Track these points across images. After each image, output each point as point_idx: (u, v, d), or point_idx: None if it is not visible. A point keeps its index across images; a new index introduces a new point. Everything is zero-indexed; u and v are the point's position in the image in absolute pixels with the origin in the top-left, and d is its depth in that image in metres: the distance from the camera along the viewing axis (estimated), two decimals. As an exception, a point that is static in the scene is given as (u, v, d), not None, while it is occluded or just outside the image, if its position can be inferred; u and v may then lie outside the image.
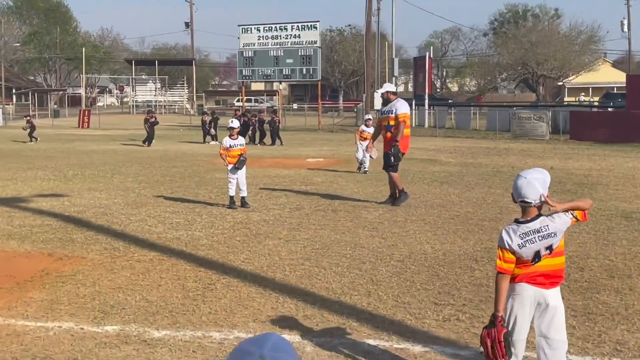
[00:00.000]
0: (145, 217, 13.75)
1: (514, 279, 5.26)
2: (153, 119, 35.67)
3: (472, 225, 12.88)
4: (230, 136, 15.15)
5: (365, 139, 20.74)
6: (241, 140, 15.33)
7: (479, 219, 13.45)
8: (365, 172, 21.10)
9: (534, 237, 5.13)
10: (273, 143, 35.91)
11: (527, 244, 5.13)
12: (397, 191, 15.38)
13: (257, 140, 36.49)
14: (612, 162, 24.64)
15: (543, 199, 5.12)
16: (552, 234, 5.13)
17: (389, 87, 16.24)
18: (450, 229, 12.48)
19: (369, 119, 23.02)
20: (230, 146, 14.95)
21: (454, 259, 10.26)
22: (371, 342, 6.97)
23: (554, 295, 5.27)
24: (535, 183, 5.13)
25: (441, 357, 6.60)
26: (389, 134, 15.28)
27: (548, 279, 5.23)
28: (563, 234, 5.20)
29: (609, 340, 6.97)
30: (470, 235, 11.98)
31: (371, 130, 19.92)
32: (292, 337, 7.06)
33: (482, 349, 5.41)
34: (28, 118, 39.86)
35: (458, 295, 8.45)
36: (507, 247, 5.17)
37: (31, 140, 37.19)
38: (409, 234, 12.08)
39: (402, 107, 15.25)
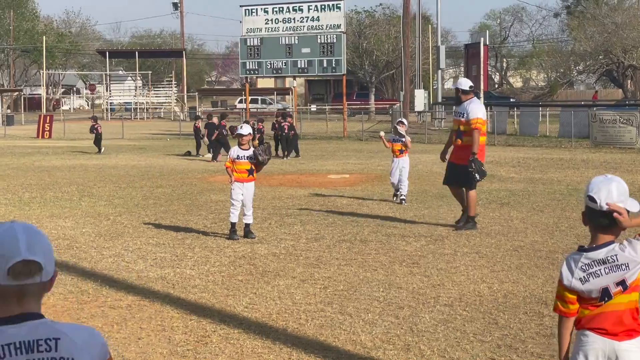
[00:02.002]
0: (122, 251, 13.79)
1: (579, 324, 5.22)
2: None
3: (540, 258, 12.83)
4: (239, 145, 15.17)
5: (401, 152, 19.52)
6: (251, 151, 15.13)
7: (549, 251, 13.39)
8: (402, 200, 19.31)
9: (599, 270, 5.07)
10: (287, 155, 35.99)
11: (590, 278, 5.08)
12: (470, 211, 15.58)
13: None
14: None
15: (607, 207, 5.04)
16: (624, 266, 5.06)
17: (461, 83, 16.26)
18: (513, 264, 12.43)
19: (402, 123, 20.28)
20: (238, 157, 14.96)
21: (517, 302, 10.21)
22: (411, 410, 6.95)
23: (628, 350, 5.20)
24: (614, 184, 5.06)
25: None
26: (459, 141, 15.53)
27: (621, 327, 5.17)
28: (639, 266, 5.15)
29: None
30: (538, 271, 11.93)
31: (403, 139, 19.39)
32: (308, 404, 7.05)
33: None
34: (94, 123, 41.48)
35: (523, 349, 8.41)
36: (566, 283, 5.13)
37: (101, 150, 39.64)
38: (459, 271, 12.05)
39: (475, 111, 15.38)
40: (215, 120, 39.80)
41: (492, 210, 17.85)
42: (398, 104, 56.41)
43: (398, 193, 19.53)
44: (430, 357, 8.23)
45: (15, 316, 3.11)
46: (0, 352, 3.04)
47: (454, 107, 16.33)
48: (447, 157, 16.29)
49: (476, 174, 15.12)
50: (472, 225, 15.53)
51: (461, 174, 15.41)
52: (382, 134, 20.59)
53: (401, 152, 19.36)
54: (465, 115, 15.32)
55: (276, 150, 35.94)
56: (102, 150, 39.55)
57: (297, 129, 45.81)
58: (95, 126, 40.50)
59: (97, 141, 40.23)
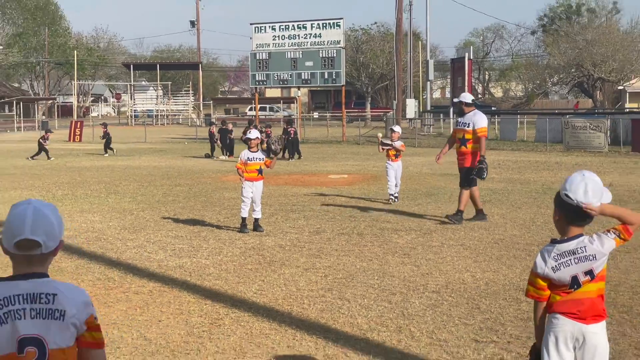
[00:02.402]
0: (144, 243, 13.80)
1: (551, 308, 5.24)
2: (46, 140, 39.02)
3: (518, 250, 12.83)
4: (249, 148, 15.22)
5: (395, 156, 18.97)
6: (260, 153, 15.23)
7: (526, 243, 13.39)
8: (395, 198, 18.94)
9: (570, 260, 5.09)
10: (291, 157, 36.02)
11: (561, 267, 5.10)
12: (479, 207, 16.07)
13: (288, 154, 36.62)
14: (681, 178, 24.48)
15: (584, 206, 5.06)
16: (592, 257, 5.09)
17: (464, 97, 16.44)
18: (494, 255, 12.43)
19: (394, 131, 19.67)
20: (249, 159, 15.01)
21: (497, 289, 10.20)
22: (402, 385, 6.95)
23: (594, 333, 5.22)
24: (590, 185, 5.05)
25: (483, 403, 6.57)
26: (463, 148, 15.73)
27: (589, 312, 5.19)
28: (606, 257, 5.17)
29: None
30: (516, 262, 11.93)
31: (396, 144, 18.91)
32: (311, 380, 7.04)
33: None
34: (104, 129, 41.84)
35: (502, 331, 8.40)
36: (540, 272, 5.16)
37: (106, 153, 39.61)
38: (445, 261, 12.05)
39: (480, 121, 15.67)
40: (230, 126, 39.84)
41: (471, 208, 17.84)
42: (391, 112, 56.43)
43: (392, 196, 18.89)
44: (420, 339, 8.22)
45: (23, 274, 3.75)
46: (11, 299, 3.66)
47: (457, 119, 16.41)
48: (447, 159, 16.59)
49: (485, 173, 15.56)
50: (461, 218, 15.71)
51: (460, 175, 15.89)
52: (379, 135, 20.40)
53: (396, 156, 18.86)
54: (471, 125, 15.58)
55: (283, 153, 35.98)
56: (108, 153, 39.44)
57: (301, 134, 45.93)
58: (106, 131, 40.90)
59: (107, 144, 40.35)
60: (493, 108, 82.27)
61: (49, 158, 36.60)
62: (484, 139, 15.66)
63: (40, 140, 38.52)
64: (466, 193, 15.83)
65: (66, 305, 3.71)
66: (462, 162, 15.83)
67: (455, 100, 16.92)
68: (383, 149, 19.23)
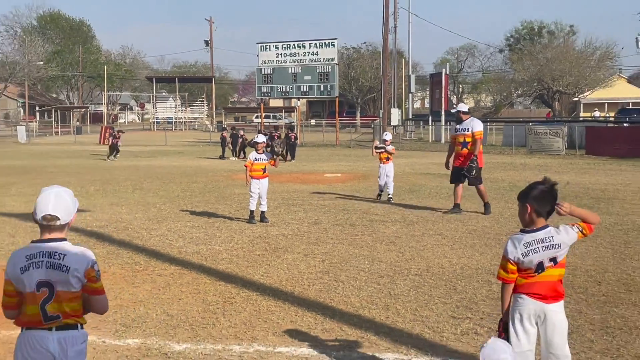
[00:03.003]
0: (166, 232, 13.78)
1: (516, 289, 5.28)
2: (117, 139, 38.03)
3: (489, 239, 12.83)
4: (256, 150, 15.29)
5: (387, 159, 18.49)
6: (265, 155, 15.34)
7: (496, 233, 13.40)
8: (389, 198, 18.21)
9: (538, 247, 5.14)
10: (292, 158, 36.03)
11: (530, 254, 5.15)
12: (487, 200, 16.25)
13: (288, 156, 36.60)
14: (629, 177, 24.47)
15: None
16: (557, 246, 5.15)
17: (462, 107, 16.81)
18: (468, 243, 12.43)
19: (387, 139, 19.15)
20: (256, 159, 15.12)
21: (471, 272, 10.21)
22: (389, 355, 6.94)
23: (554, 311, 5.25)
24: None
25: (460, 371, 6.56)
26: (464, 150, 16.01)
27: (550, 293, 5.22)
28: (568, 247, 5.21)
29: (628, 354, 6.90)
30: (487, 249, 11.93)
31: (388, 149, 18.51)
32: (310, 351, 7.04)
33: None
34: (116, 134, 39.93)
35: (476, 309, 8.41)
36: (511, 257, 5.22)
37: (111, 157, 36.80)
38: (426, 248, 12.04)
39: (478, 126, 16.15)
40: (241, 132, 39.84)
41: (451, 202, 17.80)
42: (378, 120, 56.25)
43: (384, 192, 18.48)
44: (405, 315, 8.22)
45: (47, 239, 4.75)
46: (35, 255, 4.66)
47: (456, 125, 16.55)
48: (451, 164, 16.63)
49: (474, 170, 15.96)
50: (458, 210, 16.13)
51: (466, 175, 16.10)
52: (376, 142, 20.15)
53: (387, 159, 18.34)
54: (470, 129, 15.92)
55: (285, 155, 36.00)
56: (111, 158, 36.36)
57: (300, 139, 45.90)
58: (117, 136, 39.07)
59: (112, 148, 37.62)
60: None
61: (115, 157, 36.11)
62: (480, 141, 16.10)
63: (113, 140, 37.92)
64: (482, 188, 16.18)
65: (71, 263, 4.61)
66: (463, 163, 16.05)
67: (454, 110, 17.21)
68: (377, 153, 18.88)
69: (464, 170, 15.99)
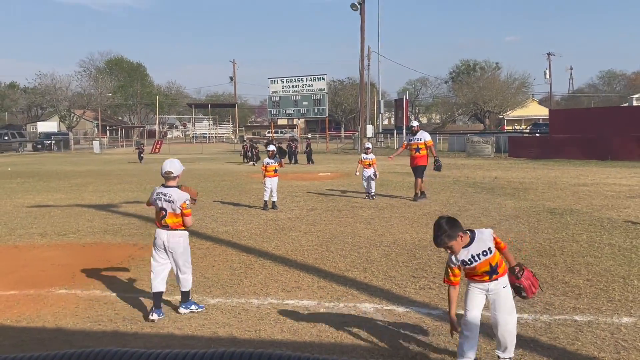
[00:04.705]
0: (203, 217, 13.76)
1: (467, 276, 5.17)
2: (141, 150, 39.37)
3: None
4: (268, 156, 15.36)
5: (369, 165, 16.90)
6: (275, 159, 15.42)
7: (443, 214, 13.39)
8: (372, 196, 16.69)
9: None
10: (296, 162, 36.03)
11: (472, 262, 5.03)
12: (418, 192, 16.24)
13: (294, 160, 36.53)
14: (540, 173, 24.50)
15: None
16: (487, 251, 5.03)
17: (414, 123, 17.44)
18: (423, 222, 12.44)
19: (369, 147, 17.69)
20: (268, 163, 15.19)
21: (426, 244, 10.22)
22: (367, 305, 6.95)
23: (496, 286, 5.07)
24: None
25: (418, 316, 6.57)
26: (417, 154, 16.34)
27: (488, 276, 5.06)
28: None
29: (540, 302, 6.92)
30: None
31: (370, 156, 16.97)
32: (309, 302, 7.05)
33: (523, 294, 5.18)
34: (141, 146, 41.06)
35: (430, 271, 8.42)
36: (453, 264, 5.07)
37: (140, 161, 38.20)
38: (393, 227, 12.05)
39: (427, 136, 16.52)
40: (258, 147, 39.81)
41: (411, 193, 17.82)
42: (357, 133, 56.20)
43: (369, 192, 16.75)
44: (378, 276, 8.22)
45: (166, 185, 6.61)
46: (160, 193, 6.61)
47: (409, 136, 16.82)
48: (395, 160, 16.97)
49: (440, 167, 16.88)
50: (424, 196, 16.24)
51: (417, 171, 16.36)
52: (357, 174, 17.38)
53: (369, 165, 16.80)
54: (422, 139, 16.29)
55: (290, 160, 35.96)
56: (142, 161, 38.02)
57: (300, 148, 45.78)
58: (141, 150, 39.59)
59: (140, 158, 38.69)
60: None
61: (254, 164, 34.85)
62: (433, 147, 16.55)
63: (247, 147, 37.88)
64: (419, 181, 16.27)
65: (174, 198, 6.54)
66: (417, 162, 16.34)
67: (412, 124, 17.22)
68: (361, 162, 17.18)
69: (434, 168, 16.81)
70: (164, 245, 6.60)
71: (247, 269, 8.75)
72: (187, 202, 6.57)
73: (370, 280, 7.99)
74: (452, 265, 5.00)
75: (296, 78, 51.15)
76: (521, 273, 5.17)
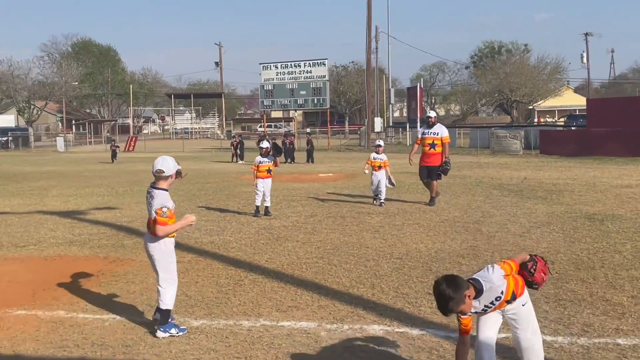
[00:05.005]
0: (184, 225, 13.73)
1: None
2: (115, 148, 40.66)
3: (459, 227, 12.83)
4: (261, 155, 15.29)
5: (379, 167, 16.50)
6: (269, 158, 15.29)
7: (464, 222, 13.39)
8: (381, 203, 16.30)
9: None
10: (292, 161, 36.05)
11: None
12: (434, 194, 16.22)
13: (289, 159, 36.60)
14: (576, 172, 24.52)
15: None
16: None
17: (432, 113, 16.86)
18: (441, 231, 12.43)
19: (380, 146, 17.14)
20: (260, 162, 15.13)
21: (444, 256, 10.21)
22: (375, 327, 6.94)
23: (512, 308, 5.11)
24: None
25: (435, 339, 6.56)
26: (432, 151, 16.11)
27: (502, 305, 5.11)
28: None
29: (577, 322, 6.91)
30: (457, 235, 11.93)
31: (382, 157, 16.56)
32: (308, 324, 7.04)
33: (535, 286, 5.18)
34: (113, 142, 42.43)
35: (448, 287, 8.40)
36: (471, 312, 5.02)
37: (113, 161, 39.55)
38: (406, 236, 12.04)
39: (445, 131, 16.33)
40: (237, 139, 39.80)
41: (426, 196, 17.78)
42: (363, 127, 56.30)
43: (378, 197, 16.50)
44: (388, 292, 8.22)
45: (155, 185, 6.82)
46: (148, 191, 6.83)
47: (424, 128, 16.55)
48: (416, 161, 16.67)
49: (447, 168, 16.17)
50: (434, 202, 16.13)
51: (432, 172, 16.10)
52: (366, 172, 17.11)
53: (380, 167, 16.44)
54: (439, 134, 16.09)
55: (285, 158, 35.99)
56: (113, 162, 39.09)
57: (297, 144, 45.84)
58: (115, 149, 40.94)
59: (114, 157, 40.25)
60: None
61: (237, 161, 37.27)
62: (448, 145, 16.24)
63: (236, 143, 38.87)
64: (435, 183, 16.15)
65: (155, 201, 6.66)
66: (432, 161, 16.10)
67: (429, 115, 16.70)
68: (370, 163, 16.76)
69: (439, 170, 16.03)
70: (146, 251, 6.96)
71: (235, 285, 8.74)
72: (165, 209, 6.69)
73: (380, 298, 7.98)
74: (464, 317, 4.90)
75: (293, 63, 51.25)
76: (534, 268, 5.16)
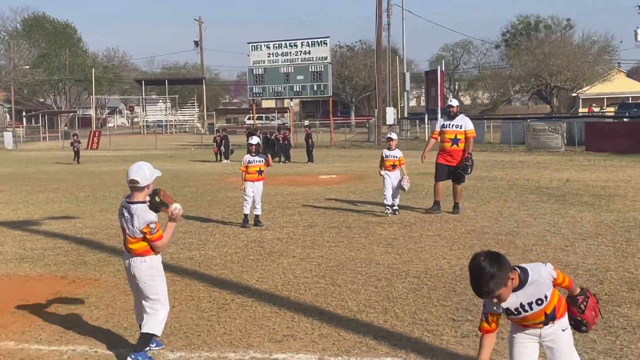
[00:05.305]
0: (158, 238, 13.73)
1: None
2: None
3: (488, 239, 12.83)
4: (249, 152, 15.21)
5: (393, 167, 16.07)
6: (259, 156, 15.24)
7: (495, 233, 13.39)
8: (395, 211, 16.02)
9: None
10: (288, 159, 36.09)
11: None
12: (459, 200, 16.30)
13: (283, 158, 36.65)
14: (630, 173, 24.53)
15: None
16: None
17: (454, 102, 16.90)
18: (467, 244, 12.43)
19: (392, 139, 16.50)
20: (249, 162, 15.06)
21: (471, 274, 10.19)
22: (389, 359, 6.94)
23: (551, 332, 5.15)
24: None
25: (460, 374, 6.56)
26: (454, 147, 16.07)
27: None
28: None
29: (632, 354, 6.90)
30: (486, 249, 11.90)
31: (395, 153, 16.11)
32: (308, 357, 7.04)
33: (583, 328, 5.20)
34: (75, 137, 40.88)
35: (476, 311, 8.39)
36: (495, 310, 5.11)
37: (77, 160, 38.60)
38: (424, 250, 12.04)
39: (470, 124, 16.26)
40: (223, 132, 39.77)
41: (449, 202, 17.80)
42: (373, 119, 56.35)
43: (390, 204, 15.98)
44: (403, 319, 8.21)
45: (130, 199, 6.85)
46: (121, 207, 6.95)
47: (445, 120, 16.42)
48: (431, 159, 16.77)
49: (469, 168, 16.08)
50: (458, 209, 16.17)
51: (456, 175, 16.14)
52: (382, 174, 16.29)
53: (393, 166, 16.04)
54: (462, 127, 16.07)
55: (279, 156, 36.02)
56: (79, 162, 38.13)
57: (294, 140, 45.88)
58: (77, 146, 39.47)
59: (76, 156, 38.89)
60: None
61: (220, 160, 38.17)
62: (472, 140, 16.21)
63: (219, 138, 39.41)
64: (459, 187, 16.22)
65: (135, 220, 6.74)
66: (454, 160, 16.10)
67: (455, 104, 16.72)
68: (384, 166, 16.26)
69: (459, 169, 15.98)
70: (128, 273, 7.09)
71: (220, 310, 8.74)
72: (152, 224, 6.73)
73: (393, 326, 7.98)
74: (491, 312, 4.93)
75: (288, 43, 51.31)
76: (585, 304, 5.15)
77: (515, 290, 4.81)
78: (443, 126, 16.41)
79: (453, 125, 16.15)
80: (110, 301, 9.19)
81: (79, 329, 8.10)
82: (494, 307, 4.90)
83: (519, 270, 4.84)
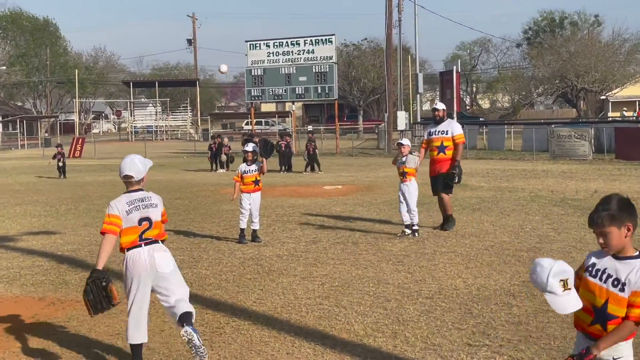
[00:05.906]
0: (146, 255, 13.73)
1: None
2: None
3: (508, 256, 12.81)
4: (245, 161, 15.18)
5: (404, 175, 15.33)
6: (255, 165, 15.16)
7: (516, 249, 13.38)
8: (414, 232, 15.15)
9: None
10: (289, 169, 36.09)
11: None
12: (447, 215, 16.00)
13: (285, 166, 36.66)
14: (664, 183, 24.49)
15: None
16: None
17: (440, 105, 16.56)
18: (485, 261, 12.42)
19: (403, 144, 15.69)
20: (245, 172, 15.04)
21: (489, 294, 10.19)
22: (398, 389, 6.93)
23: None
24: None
25: (477, 405, 6.55)
26: (441, 155, 15.87)
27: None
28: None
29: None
30: (506, 267, 11.91)
31: (411, 160, 15.31)
32: (310, 386, 7.02)
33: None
34: (59, 148, 36.99)
35: (494, 335, 8.39)
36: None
37: (62, 174, 35.25)
38: (438, 268, 12.03)
39: (458, 128, 16.02)
40: (226, 140, 39.75)
41: (465, 215, 17.82)
42: (383, 124, 56.36)
43: (408, 224, 15.20)
44: (415, 344, 8.20)
45: (135, 190, 7.48)
46: (134, 201, 7.37)
47: (431, 127, 16.34)
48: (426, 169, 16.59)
49: (456, 177, 15.73)
50: (453, 222, 15.98)
51: (440, 182, 15.96)
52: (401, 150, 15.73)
53: (404, 175, 15.33)
54: (449, 132, 15.86)
55: (281, 165, 36.04)
56: (65, 178, 34.62)
57: (296, 147, 45.90)
58: (60, 156, 36.02)
59: (61, 170, 35.33)
60: (481, 119, 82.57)
61: (215, 169, 38.07)
62: (462, 146, 16.05)
63: (215, 145, 39.37)
64: (448, 199, 16.06)
65: (156, 201, 7.58)
66: (439, 169, 15.94)
67: (435, 107, 16.51)
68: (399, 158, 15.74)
69: (446, 179, 15.79)
70: (148, 269, 7.49)
71: (213, 334, 8.74)
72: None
73: (403, 351, 7.97)
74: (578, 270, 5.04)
75: (289, 41, 51.39)
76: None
77: (620, 258, 4.88)
78: (429, 133, 16.35)
79: (439, 131, 16.03)
80: (92, 325, 9.18)
81: (59, 356, 8.10)
82: (591, 257, 5.04)
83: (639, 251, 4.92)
